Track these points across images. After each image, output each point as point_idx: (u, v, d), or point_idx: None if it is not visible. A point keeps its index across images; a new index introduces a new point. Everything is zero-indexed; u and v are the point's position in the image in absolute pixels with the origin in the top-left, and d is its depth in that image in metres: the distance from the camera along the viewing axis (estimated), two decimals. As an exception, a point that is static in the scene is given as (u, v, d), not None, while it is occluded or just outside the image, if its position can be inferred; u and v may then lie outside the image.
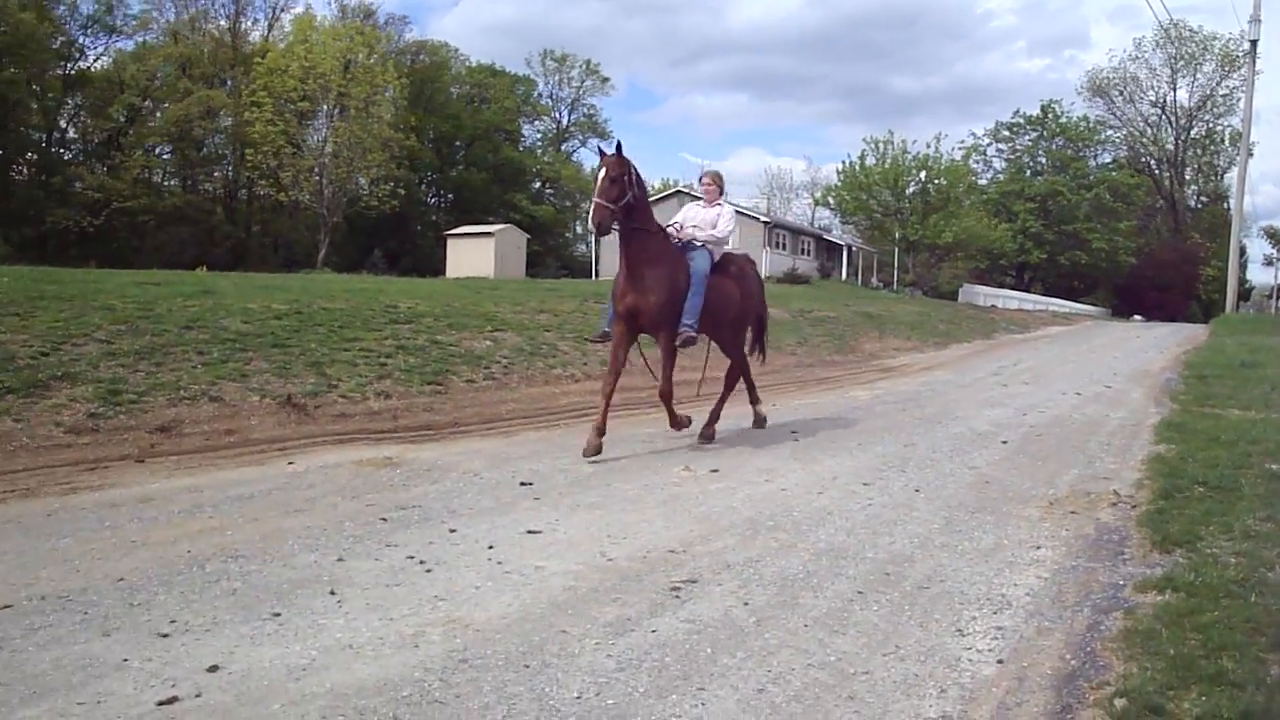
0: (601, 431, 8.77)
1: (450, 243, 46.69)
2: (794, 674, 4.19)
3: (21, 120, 54.38)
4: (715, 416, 10.33)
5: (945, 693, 4.06)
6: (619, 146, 8.85)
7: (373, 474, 7.92)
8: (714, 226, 9.79)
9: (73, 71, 57.27)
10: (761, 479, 8.18)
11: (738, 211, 52.37)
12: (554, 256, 69.88)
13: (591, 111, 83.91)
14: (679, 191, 55.23)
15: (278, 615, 4.73)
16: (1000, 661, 4.40)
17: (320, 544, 5.94)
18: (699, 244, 9.57)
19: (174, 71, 57.86)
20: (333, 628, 4.58)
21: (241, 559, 5.62)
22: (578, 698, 3.90)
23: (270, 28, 64.70)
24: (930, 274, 58.23)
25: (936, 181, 52.10)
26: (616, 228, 8.89)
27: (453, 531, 6.27)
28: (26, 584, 5.14)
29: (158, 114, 57.82)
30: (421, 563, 5.60)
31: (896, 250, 56.43)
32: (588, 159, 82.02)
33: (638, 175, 9.00)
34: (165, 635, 4.47)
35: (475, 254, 43.09)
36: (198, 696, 3.84)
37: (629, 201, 8.80)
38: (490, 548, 5.90)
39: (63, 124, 58.40)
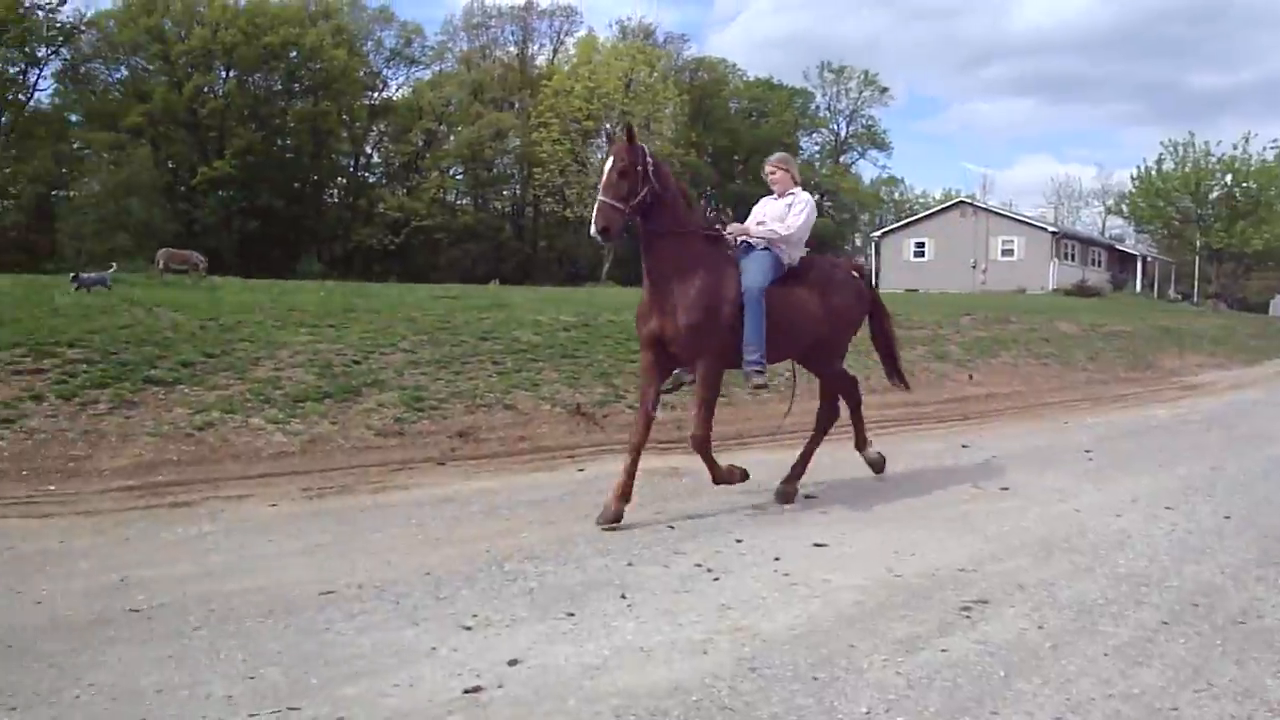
0: (626, 496, 6.91)
1: (728, 256, 47.19)
2: (1094, 705, 3.97)
3: (333, 148, 59.10)
4: (799, 470, 7.95)
5: (1268, 736, 3.77)
6: (630, 132, 7.04)
7: (660, 483, 8.10)
8: (782, 221, 7.58)
9: (377, 101, 61.67)
10: (1054, 499, 7.83)
11: (1020, 220, 50.76)
12: (832, 269, 69.25)
13: (870, 122, 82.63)
14: (961, 202, 53.77)
15: (572, 615, 4.90)
16: (1334, 708, 4.02)
17: (610, 549, 6.13)
18: (759, 245, 7.46)
19: (466, 97, 61.17)
20: (624, 630, 4.70)
21: (536, 560, 5.87)
22: (866, 713, 3.85)
23: (555, 51, 67.46)
24: (1236, 285, 54.24)
25: (1245, 185, 48.46)
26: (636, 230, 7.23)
27: (739, 541, 6.34)
28: (345, 573, 5.57)
29: (451, 137, 61.31)
30: (709, 571, 5.67)
31: (1197, 260, 52.86)
32: (867, 171, 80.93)
33: (657, 166, 7.04)
34: (469, 628, 4.71)
35: (753, 267, 43.31)
36: (500, 687, 4.02)
37: (645, 199, 6.91)
38: (777, 559, 5.91)
39: (368, 150, 62.99)
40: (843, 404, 8.35)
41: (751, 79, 77.38)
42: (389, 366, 10.60)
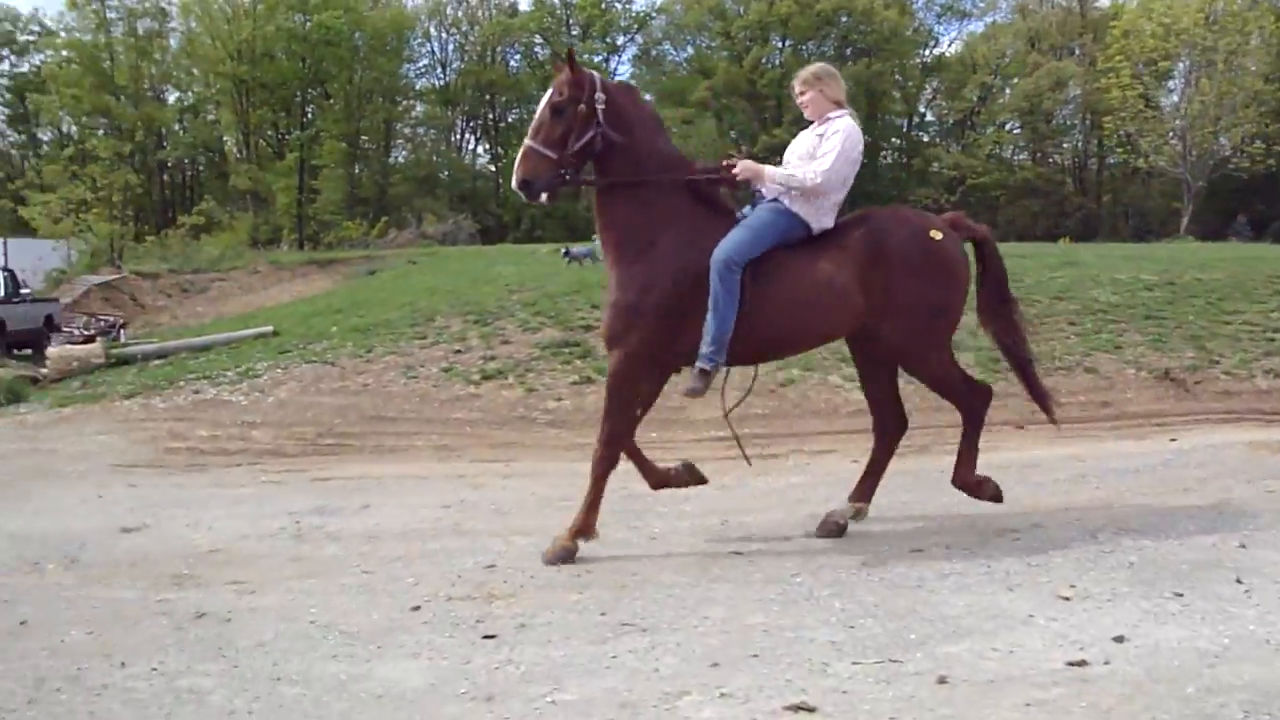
0: (585, 533, 5.34)
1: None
2: None
3: (886, 108, 59.48)
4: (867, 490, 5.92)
5: None
6: (570, 57, 5.41)
7: (1269, 459, 7.31)
8: (811, 160, 5.42)
9: (929, 59, 61.02)
10: None
11: None
12: None
13: None
14: None
15: (1180, 595, 4.55)
16: None
17: (1217, 527, 5.63)
18: (769, 196, 5.53)
19: (1023, 47, 58.72)
20: (1244, 618, 4.28)
21: (1133, 533, 5.52)
22: None
23: (1121, -11, 62.65)
24: None
25: None
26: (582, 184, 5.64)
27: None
28: (932, 532, 5.63)
29: (1007, 90, 59.25)
30: (1343, 560, 5.03)
31: None
32: None
33: (612, 101, 5.35)
34: (1066, 599, 4.53)
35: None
36: (1106, 664, 3.83)
37: (591, 145, 5.30)
38: None
39: (921, 109, 62.56)
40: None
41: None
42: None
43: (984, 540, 5.45)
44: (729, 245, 5.22)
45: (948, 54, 61.94)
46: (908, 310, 5.47)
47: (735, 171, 5.47)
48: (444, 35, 60.54)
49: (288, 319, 15.37)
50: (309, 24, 49.58)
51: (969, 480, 5.82)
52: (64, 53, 50.58)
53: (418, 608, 4.54)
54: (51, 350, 13.75)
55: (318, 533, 5.88)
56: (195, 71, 54.85)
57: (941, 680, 3.68)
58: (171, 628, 4.34)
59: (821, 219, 5.45)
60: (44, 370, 12.56)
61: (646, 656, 3.94)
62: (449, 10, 59.88)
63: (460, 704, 3.56)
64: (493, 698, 3.59)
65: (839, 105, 5.55)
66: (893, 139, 61.87)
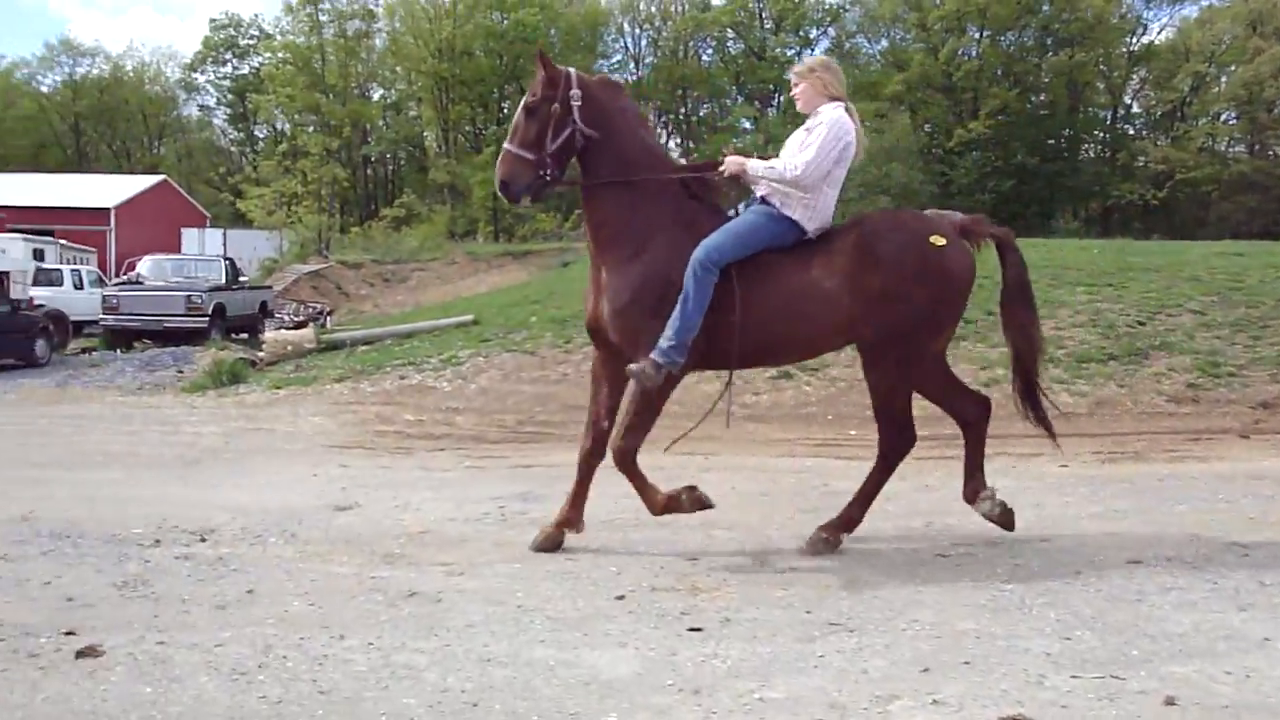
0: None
1: None
2: None
3: (1089, 100, 57.19)
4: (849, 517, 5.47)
5: None
6: (543, 57, 5.30)
7: None
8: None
9: (1136, 47, 58.20)
10: None
11: None
12: None
13: None
14: None
15: None
16: None
17: None
18: (756, 197, 5.37)
19: (1243, 32, 55.41)
20: None
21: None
22: None
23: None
24: None
25: None
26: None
27: None
28: (1151, 543, 5.35)
29: (1223, 79, 56.06)
30: None
31: None
32: None
33: (589, 98, 5.23)
34: (1309, 619, 4.24)
35: None
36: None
37: (571, 144, 5.21)
38: None
39: (1127, 100, 59.80)
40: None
41: None
42: (1177, 328, 10.00)
43: (1208, 554, 5.14)
44: (709, 245, 5.06)
45: (1157, 41, 58.97)
46: (894, 316, 5.12)
47: (721, 168, 5.33)
48: (637, 31, 61.75)
49: (486, 309, 15.78)
50: (506, 22, 51.13)
51: (852, 518, 5.47)
52: (280, 54, 53.21)
53: (622, 597, 4.58)
54: (267, 335, 14.53)
55: (521, 518, 6.01)
56: (399, 70, 57.34)
57: (1169, 702, 3.48)
58: (385, 604, 4.50)
59: (814, 221, 5.24)
60: (260, 354, 13.24)
61: (854, 657, 3.86)
62: (642, 6, 60.78)
63: (668, 695, 3.56)
64: (700, 691, 3.58)
65: (835, 100, 5.35)
66: (1096, 132, 59.34)
